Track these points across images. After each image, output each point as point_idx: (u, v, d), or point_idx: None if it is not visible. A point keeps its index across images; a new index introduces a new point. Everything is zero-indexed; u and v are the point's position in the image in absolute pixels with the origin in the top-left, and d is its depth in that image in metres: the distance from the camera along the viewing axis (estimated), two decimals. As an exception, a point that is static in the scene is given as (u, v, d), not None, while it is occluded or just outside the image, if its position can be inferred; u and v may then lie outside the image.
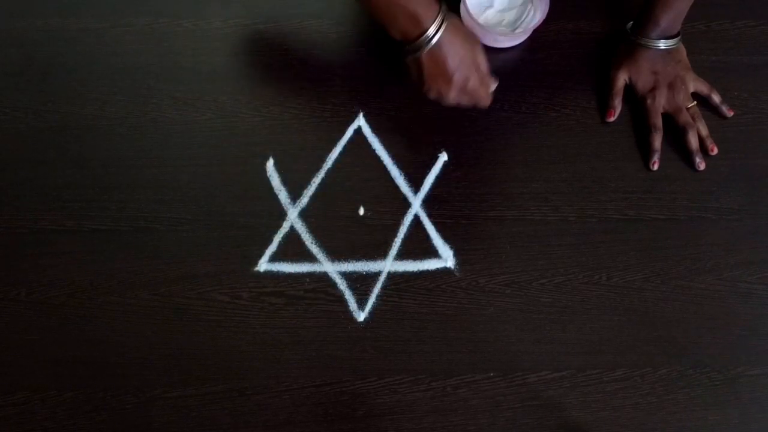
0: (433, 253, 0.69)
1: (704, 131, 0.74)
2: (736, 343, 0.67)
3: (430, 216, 0.70)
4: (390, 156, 0.72)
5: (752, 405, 0.65)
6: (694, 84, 0.75)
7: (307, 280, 0.67)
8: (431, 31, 0.61)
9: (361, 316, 0.66)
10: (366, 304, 0.66)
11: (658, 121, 0.74)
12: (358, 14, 0.80)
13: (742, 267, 0.70)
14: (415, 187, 0.71)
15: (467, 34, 0.65)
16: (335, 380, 0.64)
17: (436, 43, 0.61)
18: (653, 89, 0.74)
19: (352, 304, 0.66)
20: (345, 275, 0.67)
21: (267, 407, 0.63)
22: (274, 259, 0.68)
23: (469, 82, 0.64)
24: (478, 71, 0.65)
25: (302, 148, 0.72)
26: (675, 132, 0.74)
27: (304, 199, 0.70)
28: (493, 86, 0.68)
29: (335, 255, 0.68)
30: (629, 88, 0.76)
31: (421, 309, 0.67)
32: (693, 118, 0.74)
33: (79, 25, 0.77)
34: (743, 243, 0.71)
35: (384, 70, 0.77)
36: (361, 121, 0.74)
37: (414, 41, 0.62)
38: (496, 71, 0.75)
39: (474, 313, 0.67)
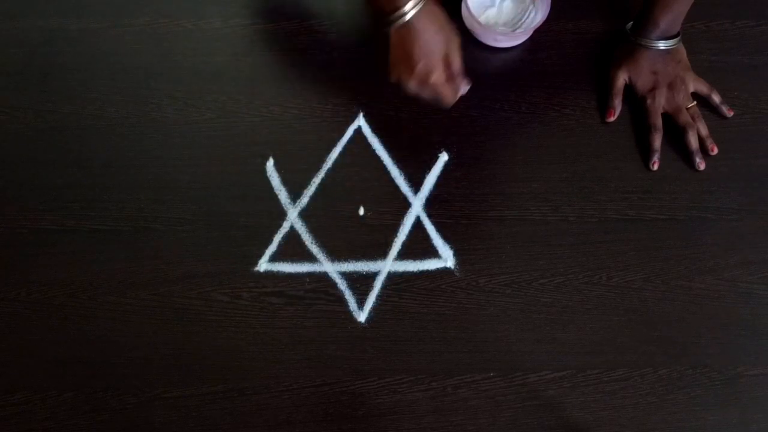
0: (433, 253, 0.69)
1: (704, 131, 0.74)
2: (736, 343, 0.67)
3: (430, 216, 0.70)
4: (390, 156, 0.72)
5: (752, 405, 0.65)
6: (694, 84, 0.75)
7: (307, 280, 0.67)
8: (405, 9, 0.57)
9: (361, 316, 0.66)
10: (366, 304, 0.66)
11: (658, 121, 0.74)
12: (358, 14, 0.80)
13: (742, 267, 0.70)
14: (415, 187, 0.71)
15: (445, 25, 0.60)
16: (335, 380, 0.64)
17: (406, 24, 0.57)
18: (653, 89, 0.74)
19: (352, 304, 0.66)
20: (345, 275, 0.67)
21: (267, 407, 0.63)
22: (274, 259, 0.68)
23: (432, 75, 0.59)
24: (447, 67, 0.61)
25: (302, 148, 0.72)
26: (675, 132, 0.74)
27: (304, 199, 0.70)
28: (464, 89, 0.64)
29: (335, 255, 0.68)
30: (629, 88, 0.76)
31: (421, 309, 0.66)
32: (693, 118, 0.74)
33: (79, 25, 0.77)
34: (743, 243, 0.71)
35: (384, 70, 0.77)
36: (361, 121, 0.74)
37: (386, 15, 0.58)
38: (496, 71, 0.75)
39: (474, 313, 0.67)
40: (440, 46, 0.60)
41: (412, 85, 0.61)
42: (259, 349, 0.64)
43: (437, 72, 0.60)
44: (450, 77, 0.61)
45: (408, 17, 0.57)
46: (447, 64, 0.61)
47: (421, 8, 0.57)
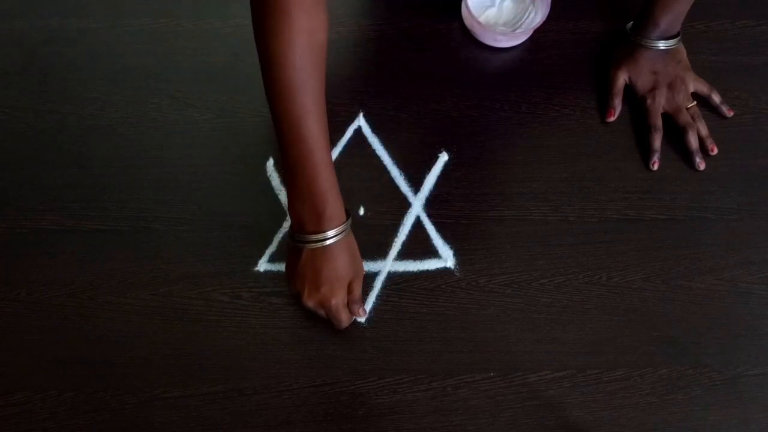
0: (433, 253, 0.69)
1: (704, 131, 0.74)
2: (736, 343, 0.67)
3: (430, 216, 0.70)
4: (390, 156, 0.72)
5: (752, 405, 0.65)
6: (694, 84, 0.75)
7: (307, 280, 0.67)
8: (328, 234, 0.59)
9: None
10: (366, 304, 0.66)
11: (658, 121, 0.74)
12: (357, 15, 0.80)
13: (742, 267, 0.70)
14: (415, 187, 0.71)
15: (356, 255, 0.63)
16: (335, 380, 0.64)
17: (323, 248, 0.60)
18: (653, 89, 0.74)
19: (352, 304, 0.66)
20: (345, 275, 0.67)
21: (267, 407, 0.63)
22: (274, 259, 0.68)
23: (332, 300, 0.61)
24: (348, 295, 0.63)
25: (302, 148, 0.72)
26: (675, 132, 0.74)
27: (304, 199, 0.70)
28: (361, 318, 0.65)
29: (335, 255, 0.68)
30: (629, 88, 0.76)
31: (421, 309, 0.66)
32: (693, 118, 0.74)
33: (79, 25, 0.77)
34: (743, 243, 0.71)
35: (384, 70, 0.77)
36: (361, 121, 0.74)
37: (306, 234, 0.60)
38: (496, 71, 0.75)
39: (474, 313, 0.67)
40: (348, 273, 0.62)
41: (311, 303, 0.62)
42: (259, 349, 0.64)
43: (339, 297, 0.62)
44: (349, 305, 0.63)
45: (328, 242, 0.60)
46: (350, 292, 0.63)
47: (341, 238, 0.60)
